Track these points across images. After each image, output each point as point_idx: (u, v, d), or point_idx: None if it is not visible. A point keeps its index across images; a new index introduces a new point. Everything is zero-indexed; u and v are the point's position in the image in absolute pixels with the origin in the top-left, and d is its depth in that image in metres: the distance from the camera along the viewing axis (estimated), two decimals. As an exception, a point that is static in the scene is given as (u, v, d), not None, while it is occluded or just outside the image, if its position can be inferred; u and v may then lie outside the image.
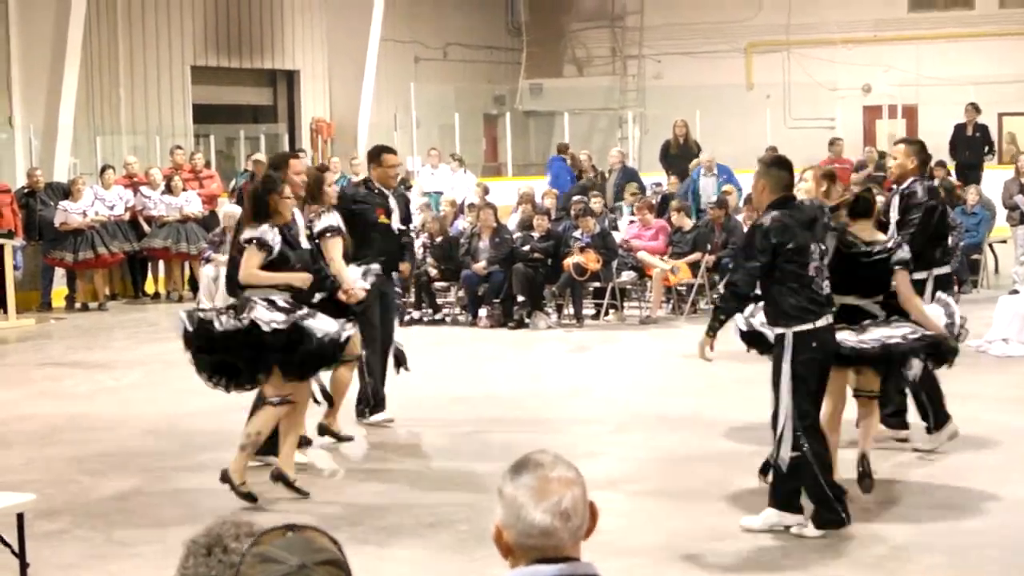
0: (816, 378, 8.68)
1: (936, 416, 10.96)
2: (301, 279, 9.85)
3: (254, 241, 9.72)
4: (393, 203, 12.40)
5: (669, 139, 25.72)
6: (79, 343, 18.18)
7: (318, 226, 11.15)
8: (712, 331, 8.76)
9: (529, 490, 3.13)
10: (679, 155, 25.05)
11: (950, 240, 11.28)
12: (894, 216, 11.01)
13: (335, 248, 11.20)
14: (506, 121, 33.31)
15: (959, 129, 25.94)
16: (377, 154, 12.59)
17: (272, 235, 9.74)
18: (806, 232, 8.71)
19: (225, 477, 9.76)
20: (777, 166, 9.06)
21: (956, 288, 11.49)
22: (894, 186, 11.28)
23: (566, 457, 3.22)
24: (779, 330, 8.69)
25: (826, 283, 8.76)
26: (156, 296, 22.67)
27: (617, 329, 18.49)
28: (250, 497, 9.73)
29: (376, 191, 12.32)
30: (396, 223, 12.40)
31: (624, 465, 10.88)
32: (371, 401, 12.34)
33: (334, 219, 11.31)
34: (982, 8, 33.81)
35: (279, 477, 9.86)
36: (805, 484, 8.72)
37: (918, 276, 10.43)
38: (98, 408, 13.51)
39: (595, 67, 37.52)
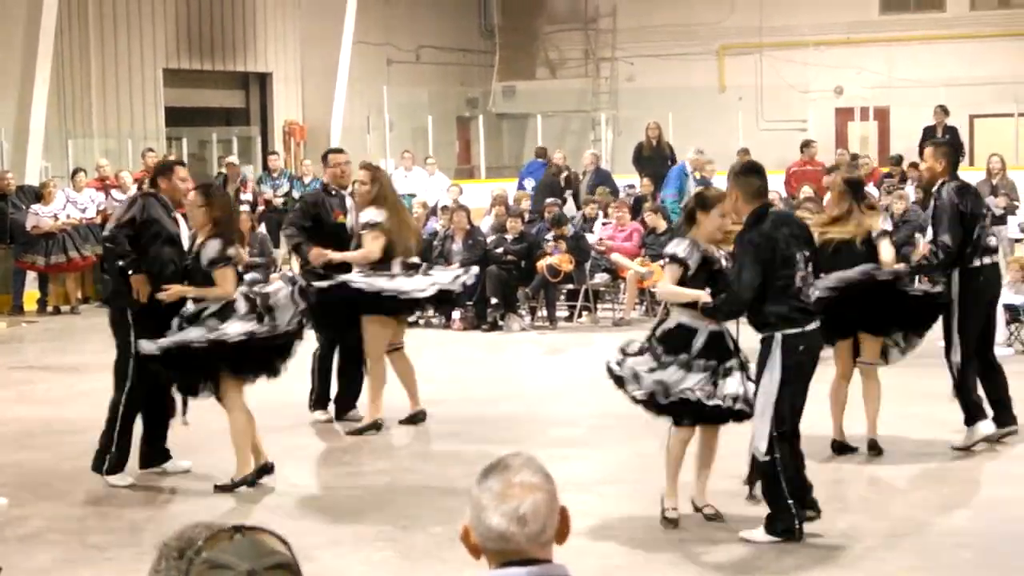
0: (801, 383, 8.59)
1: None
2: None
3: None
4: (350, 203, 12.53)
5: (642, 141, 25.73)
6: (52, 347, 18.13)
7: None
8: (706, 309, 8.77)
9: (492, 494, 3.13)
10: (652, 157, 25.06)
11: (922, 241, 11.52)
12: (927, 217, 11.34)
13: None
14: (479, 123, 33.31)
15: (928, 132, 26.03)
16: (324, 156, 13.24)
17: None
18: (791, 241, 8.60)
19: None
20: (747, 173, 8.90)
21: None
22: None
23: (539, 460, 3.23)
24: (766, 333, 8.58)
25: (813, 291, 8.73)
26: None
27: (590, 331, 18.51)
28: None
29: (333, 193, 12.64)
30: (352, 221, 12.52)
31: (598, 467, 10.89)
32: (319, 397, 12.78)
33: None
34: (953, 10, 33.92)
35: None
36: (767, 489, 8.66)
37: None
38: (72, 412, 13.45)
39: (568, 69, 37.55)
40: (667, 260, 9.19)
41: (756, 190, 8.76)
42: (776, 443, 8.50)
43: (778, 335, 8.49)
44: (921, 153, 11.99)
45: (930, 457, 10.87)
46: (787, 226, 8.74)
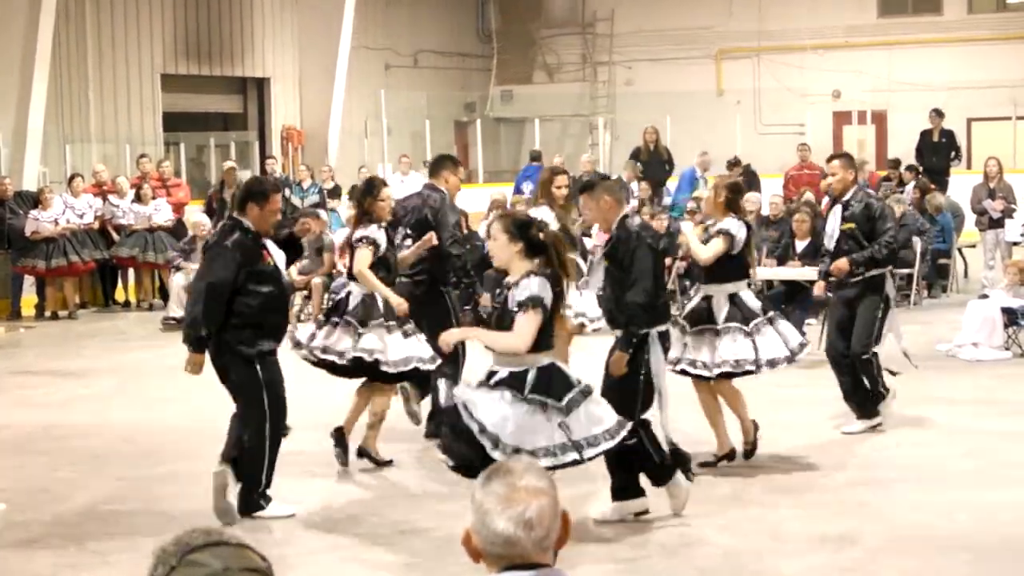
0: (660, 377, 9.22)
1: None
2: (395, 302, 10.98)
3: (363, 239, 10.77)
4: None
5: (639, 145, 25.77)
6: (50, 352, 18.12)
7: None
8: (628, 348, 9.08)
9: (496, 497, 3.12)
10: (649, 161, 25.11)
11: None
12: (835, 226, 11.67)
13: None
14: (477, 128, 33.33)
15: (925, 135, 26.09)
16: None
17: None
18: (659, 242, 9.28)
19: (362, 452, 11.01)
20: (606, 180, 9.70)
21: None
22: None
23: (539, 464, 3.23)
24: (642, 330, 9.06)
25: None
26: (127, 304, 22.59)
27: (585, 335, 18.46)
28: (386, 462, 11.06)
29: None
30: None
31: (596, 470, 10.87)
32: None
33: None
34: (951, 14, 33.96)
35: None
36: (644, 465, 9.16)
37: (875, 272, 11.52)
38: (71, 417, 13.47)
39: (566, 73, 37.56)
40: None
41: (622, 196, 9.40)
42: (640, 428, 8.94)
43: (654, 332, 9.10)
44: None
45: (929, 460, 10.87)
46: (649, 229, 9.39)
